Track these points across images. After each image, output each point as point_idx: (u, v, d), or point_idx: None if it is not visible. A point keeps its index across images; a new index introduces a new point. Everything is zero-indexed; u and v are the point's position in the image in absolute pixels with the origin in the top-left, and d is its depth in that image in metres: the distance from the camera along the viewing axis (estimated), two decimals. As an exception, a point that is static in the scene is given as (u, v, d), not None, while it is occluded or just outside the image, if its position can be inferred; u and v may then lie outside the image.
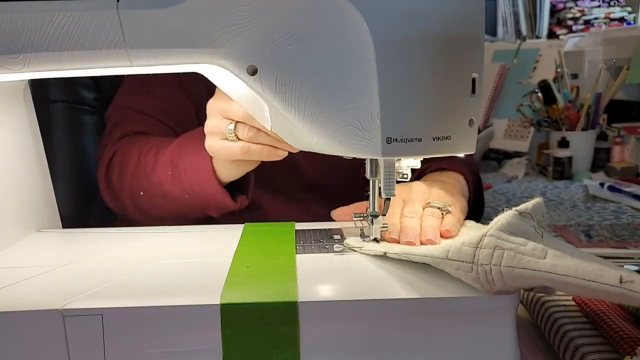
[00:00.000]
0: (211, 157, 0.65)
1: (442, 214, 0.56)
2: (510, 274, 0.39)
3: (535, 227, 0.43)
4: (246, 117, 0.58)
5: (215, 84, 0.51)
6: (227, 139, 0.60)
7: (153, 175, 0.70)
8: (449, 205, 0.57)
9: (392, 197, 0.49)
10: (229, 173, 0.67)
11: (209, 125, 0.61)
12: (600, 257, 0.48)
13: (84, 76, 0.48)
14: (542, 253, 0.40)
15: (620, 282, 0.37)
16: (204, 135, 0.64)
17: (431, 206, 0.56)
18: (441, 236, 0.52)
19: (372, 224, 0.52)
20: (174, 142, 0.71)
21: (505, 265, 0.39)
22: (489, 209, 0.98)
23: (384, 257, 0.49)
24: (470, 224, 0.58)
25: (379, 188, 0.51)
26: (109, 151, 0.78)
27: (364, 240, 0.54)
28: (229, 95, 0.52)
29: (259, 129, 0.58)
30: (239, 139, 0.59)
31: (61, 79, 0.89)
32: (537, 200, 0.47)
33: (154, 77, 0.72)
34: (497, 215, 0.43)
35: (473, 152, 0.48)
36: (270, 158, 0.60)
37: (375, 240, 0.52)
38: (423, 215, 0.55)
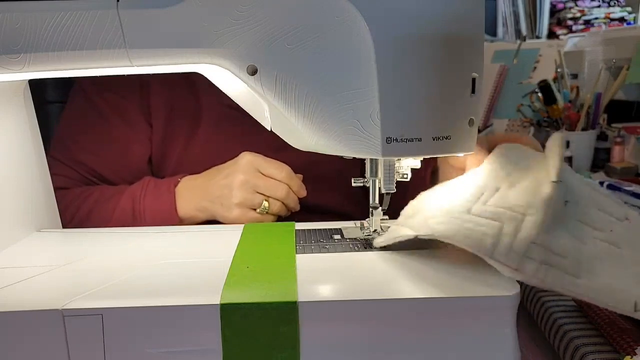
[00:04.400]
0: (175, 204, 0.69)
1: None
2: (549, 287, 0.42)
3: (566, 199, 0.46)
4: (278, 193, 0.66)
5: (215, 84, 0.51)
6: (254, 209, 0.66)
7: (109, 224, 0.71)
8: None
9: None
10: (196, 222, 0.70)
11: (241, 198, 0.66)
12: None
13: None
14: (577, 269, 0.42)
15: (635, 309, 0.40)
16: (159, 183, 0.70)
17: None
18: None
19: (372, 215, 0.52)
20: (124, 200, 0.71)
21: (550, 281, 0.41)
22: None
23: (383, 256, 0.49)
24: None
25: (379, 188, 0.51)
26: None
27: (363, 234, 0.54)
28: (229, 95, 0.52)
29: (284, 200, 0.67)
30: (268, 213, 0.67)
31: (58, 80, 0.89)
32: (557, 141, 0.48)
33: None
34: None
35: (473, 152, 0.48)
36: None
37: (375, 232, 0.53)
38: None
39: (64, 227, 0.68)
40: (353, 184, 0.54)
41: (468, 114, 0.45)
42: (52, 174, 0.69)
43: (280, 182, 0.66)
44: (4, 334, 0.40)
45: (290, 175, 0.67)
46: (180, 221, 0.69)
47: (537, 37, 2.38)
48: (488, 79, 1.73)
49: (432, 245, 0.48)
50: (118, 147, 0.77)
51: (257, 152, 0.67)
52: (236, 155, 0.68)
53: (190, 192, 0.69)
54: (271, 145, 0.61)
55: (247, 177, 0.66)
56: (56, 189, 0.69)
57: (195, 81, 0.77)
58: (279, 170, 0.66)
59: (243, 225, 0.60)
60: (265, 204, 0.66)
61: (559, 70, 1.47)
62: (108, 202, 0.71)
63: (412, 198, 0.52)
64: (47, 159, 0.67)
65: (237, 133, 0.75)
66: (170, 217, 0.69)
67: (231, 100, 0.53)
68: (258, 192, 0.66)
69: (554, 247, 0.42)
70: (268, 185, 0.66)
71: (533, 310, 0.55)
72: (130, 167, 0.77)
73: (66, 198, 0.72)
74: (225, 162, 0.69)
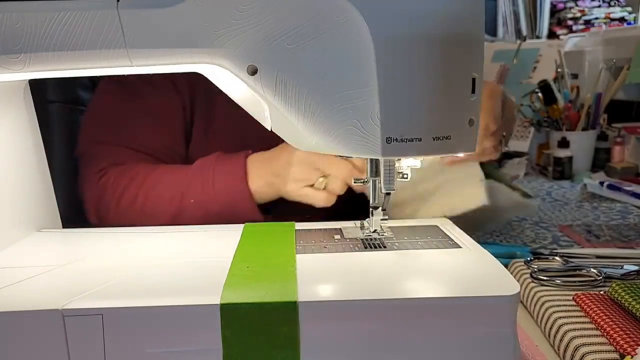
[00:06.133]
0: (246, 173, 0.67)
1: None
2: None
3: None
4: (339, 171, 0.63)
5: (215, 83, 0.51)
6: (312, 186, 0.65)
7: (171, 206, 0.69)
8: None
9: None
10: (267, 198, 0.69)
11: (298, 172, 0.65)
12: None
13: (82, 76, 0.48)
14: None
15: None
16: (229, 157, 0.69)
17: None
18: None
19: (372, 215, 0.53)
20: (195, 167, 0.70)
21: None
22: (496, 209, 0.98)
23: (383, 256, 0.49)
24: None
25: (379, 188, 0.51)
26: (92, 192, 0.74)
27: (363, 233, 0.55)
28: (229, 95, 0.52)
29: (346, 180, 0.64)
30: (324, 189, 0.65)
31: (59, 80, 0.89)
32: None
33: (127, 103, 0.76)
34: None
35: (473, 152, 0.48)
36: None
37: (375, 232, 0.53)
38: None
39: (123, 204, 0.70)
40: (353, 184, 0.55)
41: (468, 114, 0.45)
42: (103, 155, 0.72)
43: (342, 160, 0.62)
44: (4, 334, 0.40)
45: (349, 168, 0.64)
46: (250, 195, 0.68)
47: (537, 37, 2.39)
48: (488, 79, 1.73)
49: None
50: (156, 117, 0.77)
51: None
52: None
53: (260, 164, 0.68)
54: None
55: (306, 153, 0.63)
56: (113, 165, 0.72)
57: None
58: (340, 165, 0.64)
59: (243, 225, 0.60)
60: (322, 180, 0.64)
61: (559, 70, 1.47)
62: (176, 171, 0.71)
63: None
64: (90, 147, 0.73)
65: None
66: (242, 187, 0.67)
67: None
68: (317, 169, 0.64)
69: None
70: (328, 162, 0.63)
71: (533, 310, 0.55)
72: (174, 143, 0.78)
73: (130, 171, 0.72)
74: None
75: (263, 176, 0.67)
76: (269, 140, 0.64)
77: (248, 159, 0.69)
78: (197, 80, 0.77)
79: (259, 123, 0.69)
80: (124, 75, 0.68)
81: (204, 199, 0.68)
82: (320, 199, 0.65)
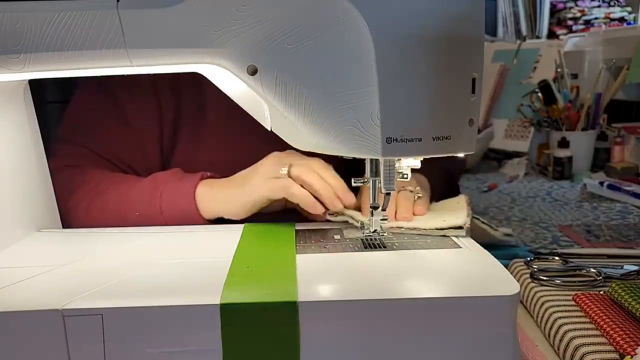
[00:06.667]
0: (195, 195, 0.65)
1: (414, 197, 0.62)
2: None
3: None
4: (306, 161, 0.60)
5: (215, 84, 0.51)
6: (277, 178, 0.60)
7: (116, 213, 0.67)
8: (419, 192, 0.63)
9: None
10: (215, 214, 0.66)
11: (267, 168, 0.61)
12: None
13: (80, 77, 0.48)
14: None
15: None
16: (181, 175, 0.67)
17: (404, 189, 0.62)
18: (414, 214, 0.60)
19: (372, 215, 0.53)
20: (146, 182, 0.68)
21: None
22: (494, 208, 1.00)
23: (384, 256, 0.49)
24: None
25: (379, 188, 0.51)
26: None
27: (363, 233, 0.55)
28: (229, 95, 0.52)
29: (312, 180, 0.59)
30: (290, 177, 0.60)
31: (57, 80, 0.89)
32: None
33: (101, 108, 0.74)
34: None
35: (473, 152, 0.48)
36: (308, 208, 0.60)
37: (375, 232, 0.53)
38: (398, 197, 0.60)
39: (69, 206, 0.68)
40: (353, 184, 0.55)
41: (468, 114, 0.45)
42: (62, 154, 0.70)
43: (313, 170, 0.60)
44: (4, 334, 0.40)
45: (325, 166, 0.61)
46: (197, 212, 0.65)
47: (537, 37, 2.39)
48: (488, 79, 1.73)
49: None
50: (128, 126, 0.75)
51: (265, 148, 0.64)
52: (244, 157, 0.66)
53: (214, 184, 0.66)
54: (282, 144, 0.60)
55: (278, 155, 0.62)
56: (66, 167, 0.69)
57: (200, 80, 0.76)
58: (312, 160, 0.61)
59: (243, 225, 0.60)
60: (284, 168, 0.60)
61: (559, 70, 1.47)
62: (128, 181, 0.70)
63: None
64: (56, 143, 0.70)
65: (244, 134, 0.73)
66: (189, 207, 0.65)
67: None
68: (284, 163, 0.61)
69: None
70: (299, 162, 0.60)
71: (533, 310, 0.55)
72: (143, 151, 0.75)
73: (83, 175, 0.70)
74: (231, 165, 0.67)
75: (214, 193, 0.65)
76: (262, 150, 0.64)
77: (202, 180, 0.67)
78: (183, 89, 0.75)
79: (252, 133, 0.68)
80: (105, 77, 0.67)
81: (150, 212, 0.66)
82: (281, 186, 0.60)
